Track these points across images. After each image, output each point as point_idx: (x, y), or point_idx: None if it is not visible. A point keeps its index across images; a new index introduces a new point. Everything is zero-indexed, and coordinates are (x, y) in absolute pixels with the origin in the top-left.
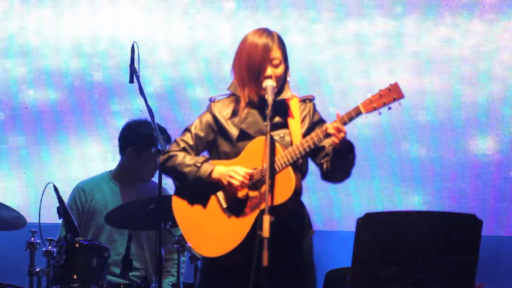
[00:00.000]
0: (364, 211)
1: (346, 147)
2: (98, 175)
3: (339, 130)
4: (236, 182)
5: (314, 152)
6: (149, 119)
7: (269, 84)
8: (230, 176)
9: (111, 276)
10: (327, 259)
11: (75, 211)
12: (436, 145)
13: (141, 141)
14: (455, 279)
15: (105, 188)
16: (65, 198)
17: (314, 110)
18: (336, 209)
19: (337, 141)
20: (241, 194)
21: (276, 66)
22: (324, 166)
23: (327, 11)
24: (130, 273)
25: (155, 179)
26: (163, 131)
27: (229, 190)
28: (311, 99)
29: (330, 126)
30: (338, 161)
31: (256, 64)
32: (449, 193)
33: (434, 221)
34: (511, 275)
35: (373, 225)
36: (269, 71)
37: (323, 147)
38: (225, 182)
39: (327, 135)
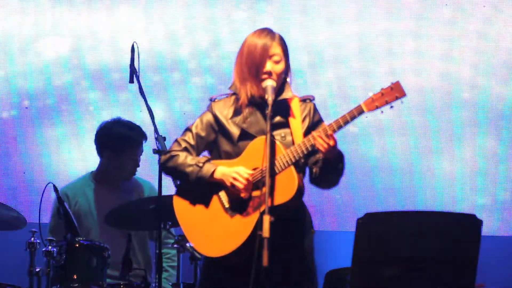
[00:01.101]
0: (364, 211)
1: (335, 157)
2: (80, 177)
3: (324, 140)
4: (240, 185)
5: (310, 153)
6: (123, 118)
7: (269, 84)
8: (234, 178)
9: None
10: (327, 259)
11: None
12: (436, 145)
13: (117, 143)
14: (455, 279)
15: (88, 190)
16: (52, 202)
17: (315, 110)
18: (336, 209)
19: (322, 149)
20: (243, 194)
21: (276, 62)
22: (314, 170)
23: (326, 10)
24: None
25: (141, 175)
26: (136, 128)
27: (232, 190)
28: (311, 99)
29: (316, 137)
30: (327, 170)
31: (256, 59)
32: (449, 193)
33: (434, 221)
34: (511, 275)
35: (373, 225)
36: (269, 65)
37: (316, 151)
38: (228, 184)
39: (327, 136)
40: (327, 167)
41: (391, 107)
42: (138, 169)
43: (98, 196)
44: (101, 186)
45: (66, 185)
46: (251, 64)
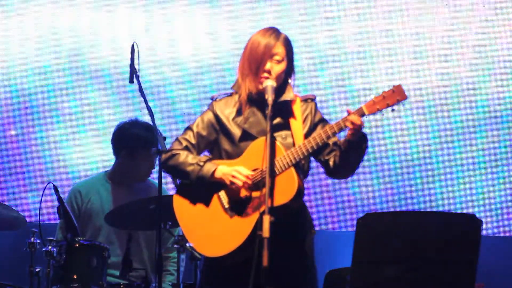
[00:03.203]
0: (364, 211)
1: (360, 138)
2: (94, 176)
3: (355, 123)
4: (239, 183)
5: (318, 150)
6: (139, 119)
7: (269, 84)
8: (233, 176)
9: (110, 277)
10: (327, 259)
11: (71, 213)
12: (436, 145)
13: (133, 143)
14: (455, 279)
15: (101, 189)
16: (65, 198)
17: (316, 109)
18: (336, 209)
19: (351, 131)
20: (243, 194)
21: (277, 62)
22: (331, 162)
23: (326, 10)
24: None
25: (154, 177)
26: (153, 130)
27: (232, 190)
28: (312, 99)
29: (348, 120)
30: (351, 153)
31: (257, 56)
32: (449, 193)
33: (434, 221)
34: (511, 275)
35: (373, 225)
36: (268, 65)
37: (327, 144)
38: (228, 182)
39: (329, 137)
40: (352, 149)
41: (393, 110)
42: None
43: (112, 196)
44: (115, 186)
45: (79, 182)
46: (252, 60)
